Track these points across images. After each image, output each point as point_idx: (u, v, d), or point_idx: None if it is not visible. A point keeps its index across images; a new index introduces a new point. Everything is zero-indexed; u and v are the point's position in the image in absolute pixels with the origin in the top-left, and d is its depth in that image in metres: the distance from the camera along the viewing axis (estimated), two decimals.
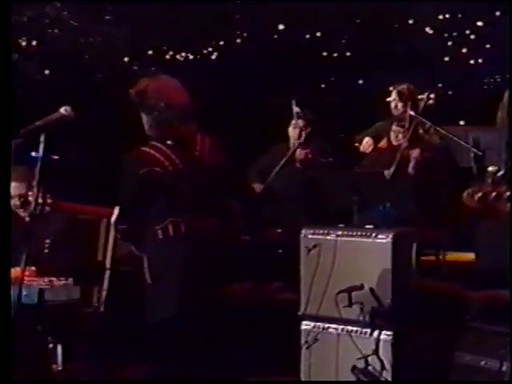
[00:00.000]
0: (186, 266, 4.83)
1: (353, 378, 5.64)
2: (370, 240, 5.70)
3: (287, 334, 6.01)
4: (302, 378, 5.88)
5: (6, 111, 4.87)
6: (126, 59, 10.14)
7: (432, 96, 7.56)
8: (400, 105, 7.62)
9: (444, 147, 7.14)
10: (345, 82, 10.42)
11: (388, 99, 7.71)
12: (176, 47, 10.62)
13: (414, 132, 7.22)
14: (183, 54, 10.68)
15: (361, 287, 5.64)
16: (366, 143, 7.70)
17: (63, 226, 6.08)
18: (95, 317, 6.03)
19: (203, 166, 4.89)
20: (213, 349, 4.92)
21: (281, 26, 10.48)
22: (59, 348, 5.75)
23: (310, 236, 5.90)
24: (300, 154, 7.66)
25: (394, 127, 7.43)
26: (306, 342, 5.90)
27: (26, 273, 5.62)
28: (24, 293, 5.36)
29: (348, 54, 10.48)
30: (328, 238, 5.84)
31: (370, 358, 5.58)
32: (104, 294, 6.09)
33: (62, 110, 4.53)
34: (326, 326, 5.82)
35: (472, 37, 9.99)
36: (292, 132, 7.83)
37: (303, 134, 7.64)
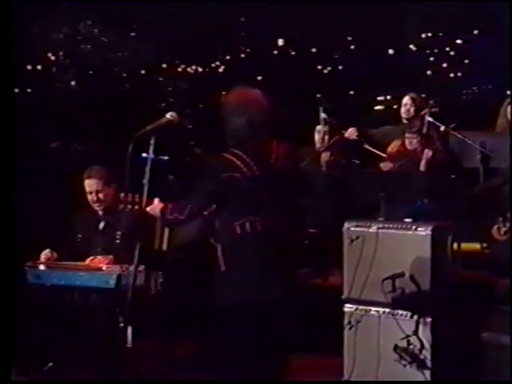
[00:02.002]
0: (259, 255, 4.66)
1: (394, 357, 5.50)
2: (411, 232, 5.54)
3: (332, 316, 5.82)
4: (345, 357, 5.70)
5: (6, 112, 4.86)
6: (142, 71, 9.88)
7: (433, 104, 7.47)
8: (412, 109, 7.47)
9: (456, 149, 6.99)
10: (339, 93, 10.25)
11: (402, 103, 7.56)
12: (187, 61, 10.39)
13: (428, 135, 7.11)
14: (193, 67, 10.45)
15: (402, 274, 5.49)
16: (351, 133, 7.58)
17: (133, 220, 5.86)
18: (158, 299, 5.81)
19: (277, 171, 4.70)
20: (272, 327, 4.77)
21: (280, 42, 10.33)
22: (129, 328, 5.51)
23: (352, 228, 5.72)
24: (325, 156, 7.49)
25: (407, 134, 7.25)
26: (349, 323, 5.73)
27: (106, 261, 5.51)
28: (103, 278, 5.32)
29: (340, 67, 10.33)
30: (370, 230, 5.66)
31: (411, 339, 5.44)
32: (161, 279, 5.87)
33: (168, 115, 4.32)
34: (368, 308, 5.65)
35: (452, 53, 9.90)
36: (317, 136, 7.63)
37: (327, 138, 7.46)
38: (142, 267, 5.45)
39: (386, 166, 7.18)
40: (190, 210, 4.68)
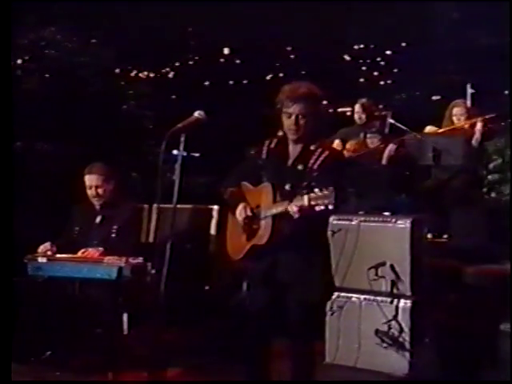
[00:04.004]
0: None
1: (375, 340, 5.21)
2: (391, 225, 5.25)
3: None
4: (327, 342, 5.37)
5: (6, 114, 4.51)
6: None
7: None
8: (364, 116, 7.20)
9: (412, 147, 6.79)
10: None
11: (354, 110, 7.27)
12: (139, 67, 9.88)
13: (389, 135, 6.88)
14: (145, 73, 9.94)
15: (384, 264, 5.21)
16: (337, 145, 7.22)
17: (128, 215, 5.48)
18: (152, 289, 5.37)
19: None
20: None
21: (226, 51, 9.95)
22: (125, 316, 5.14)
23: (335, 222, 5.37)
24: None
25: (368, 134, 6.97)
26: (331, 309, 5.40)
27: (97, 253, 5.08)
28: (104, 270, 4.94)
29: (281, 75, 10.02)
30: (352, 223, 5.34)
31: (392, 323, 5.16)
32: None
33: (197, 113, 3.93)
34: (349, 295, 5.34)
35: (382, 63, 9.73)
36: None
37: None
38: (140, 259, 5.06)
39: None
40: None
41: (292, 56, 9.94)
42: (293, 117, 4.06)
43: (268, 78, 10.08)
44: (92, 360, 4.97)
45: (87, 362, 4.97)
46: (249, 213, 4.16)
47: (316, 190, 3.72)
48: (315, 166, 4.03)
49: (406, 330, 5.15)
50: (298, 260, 4.09)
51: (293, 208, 3.85)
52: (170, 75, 10.02)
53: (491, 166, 7.90)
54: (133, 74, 9.82)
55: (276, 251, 4.09)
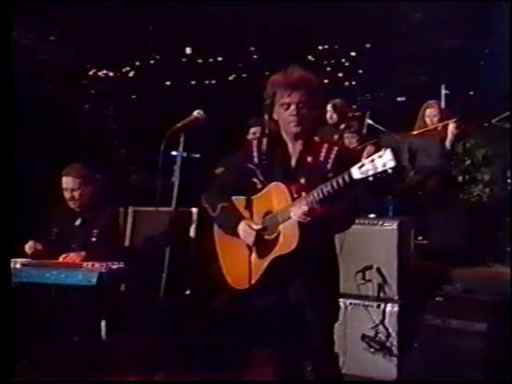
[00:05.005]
0: None
1: (362, 345, 5.16)
2: (377, 227, 5.22)
3: None
4: None
5: (6, 114, 4.41)
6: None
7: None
8: (335, 116, 7.16)
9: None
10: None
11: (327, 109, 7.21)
12: (98, 65, 9.63)
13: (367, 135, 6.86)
14: (104, 72, 9.70)
15: (371, 267, 5.17)
16: None
17: (109, 217, 5.35)
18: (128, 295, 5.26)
19: None
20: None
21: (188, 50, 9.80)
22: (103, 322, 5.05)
23: None
24: None
25: (346, 134, 6.93)
26: None
27: (79, 258, 4.92)
28: (84, 275, 4.75)
29: (244, 75, 9.91)
30: None
31: (379, 327, 5.12)
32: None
33: (196, 113, 3.76)
34: None
35: (347, 64, 9.71)
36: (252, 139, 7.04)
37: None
38: (121, 264, 4.94)
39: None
40: None
41: (255, 56, 9.83)
42: (292, 106, 3.56)
43: (231, 78, 9.94)
44: (69, 368, 4.83)
45: (64, 369, 4.83)
46: (256, 227, 3.61)
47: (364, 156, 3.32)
48: (329, 160, 3.57)
49: (394, 334, 5.13)
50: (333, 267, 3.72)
51: (339, 181, 3.27)
52: (131, 74, 9.79)
53: (461, 167, 7.94)
54: (91, 72, 9.57)
55: (308, 258, 3.53)
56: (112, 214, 5.40)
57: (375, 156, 3.23)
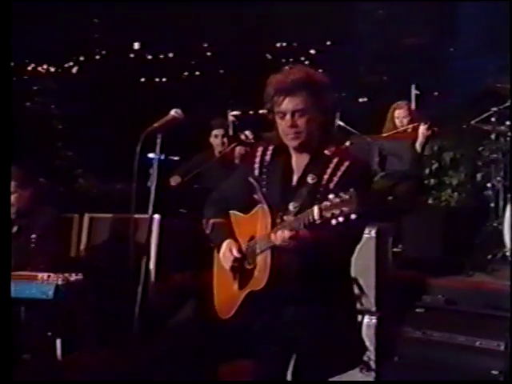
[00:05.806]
0: None
1: None
2: None
3: None
4: None
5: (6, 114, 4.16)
6: None
7: None
8: None
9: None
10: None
11: None
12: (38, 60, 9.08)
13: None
14: (45, 67, 9.14)
15: None
16: None
17: (48, 222, 4.93)
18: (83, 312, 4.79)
19: None
20: None
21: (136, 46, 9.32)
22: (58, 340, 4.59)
23: None
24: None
25: None
26: None
27: None
28: (39, 288, 4.38)
29: (197, 73, 9.48)
30: None
31: None
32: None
33: (173, 112, 3.45)
34: None
35: (306, 62, 9.34)
36: (214, 141, 6.58)
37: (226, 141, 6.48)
38: (80, 275, 4.51)
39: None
40: None
41: (209, 53, 9.41)
42: (287, 116, 3.11)
43: (184, 76, 9.50)
44: None
45: None
46: (236, 253, 3.20)
47: (330, 196, 2.78)
48: (335, 178, 3.08)
49: (371, 348, 4.77)
50: (313, 309, 3.09)
51: (299, 224, 2.87)
52: (74, 70, 9.25)
53: (427, 170, 7.68)
54: (30, 67, 9.01)
55: (280, 298, 3.08)
56: (50, 217, 4.94)
57: (337, 200, 2.78)
